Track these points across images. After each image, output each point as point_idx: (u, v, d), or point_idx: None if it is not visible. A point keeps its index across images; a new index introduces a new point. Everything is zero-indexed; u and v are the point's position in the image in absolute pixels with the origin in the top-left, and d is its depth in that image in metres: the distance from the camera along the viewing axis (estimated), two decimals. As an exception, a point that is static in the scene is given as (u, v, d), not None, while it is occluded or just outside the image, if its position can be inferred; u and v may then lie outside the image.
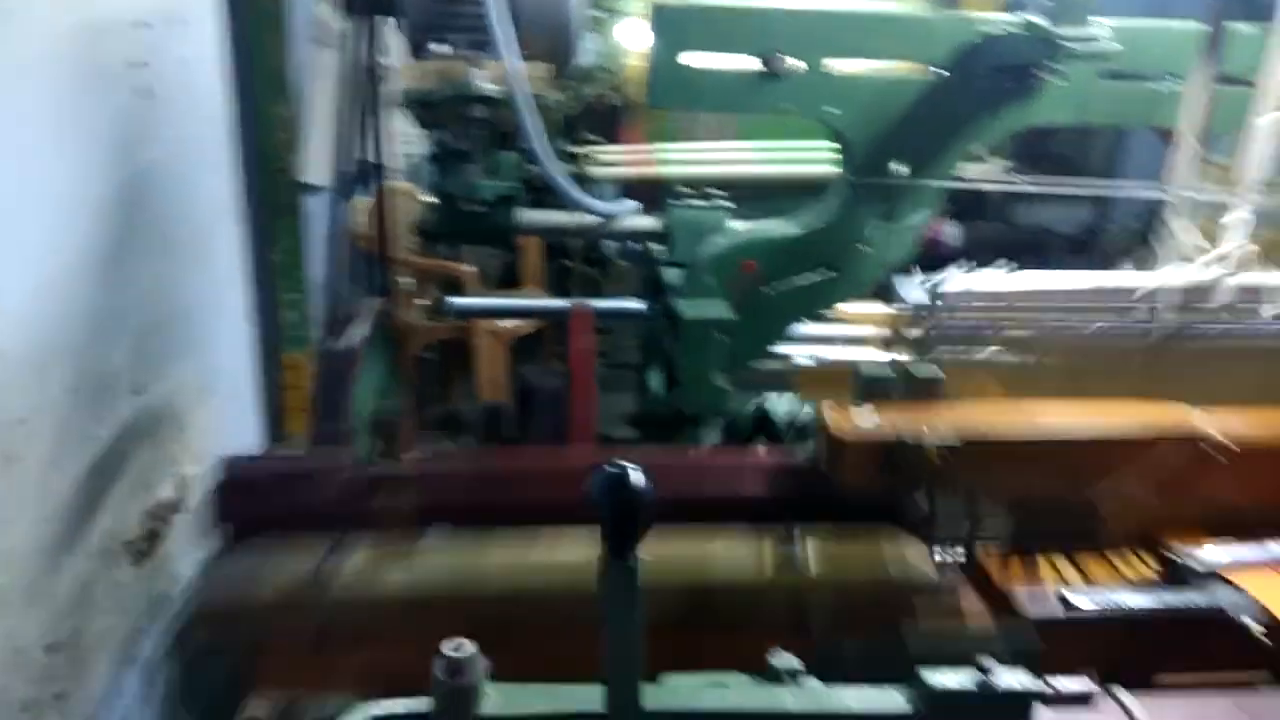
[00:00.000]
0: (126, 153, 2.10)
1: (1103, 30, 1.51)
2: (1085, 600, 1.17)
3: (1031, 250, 4.83)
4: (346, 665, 1.15)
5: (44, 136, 1.79)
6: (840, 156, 1.80)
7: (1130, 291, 1.48)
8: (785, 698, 0.97)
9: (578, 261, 4.72)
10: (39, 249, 1.75)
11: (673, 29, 1.61)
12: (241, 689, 1.17)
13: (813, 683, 1.00)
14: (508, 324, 4.09)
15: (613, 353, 4.42)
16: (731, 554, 1.20)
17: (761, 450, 1.41)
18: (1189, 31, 1.62)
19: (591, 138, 4.69)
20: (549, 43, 1.85)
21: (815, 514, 1.24)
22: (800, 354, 2.25)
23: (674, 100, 1.65)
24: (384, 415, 1.23)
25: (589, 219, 2.03)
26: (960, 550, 1.27)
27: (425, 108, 1.86)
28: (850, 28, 1.64)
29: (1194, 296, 1.49)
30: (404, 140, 3.87)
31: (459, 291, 4.03)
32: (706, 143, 4.36)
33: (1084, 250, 5.01)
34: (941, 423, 1.25)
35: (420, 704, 0.94)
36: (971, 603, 1.21)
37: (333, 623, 1.16)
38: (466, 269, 4.02)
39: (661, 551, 1.15)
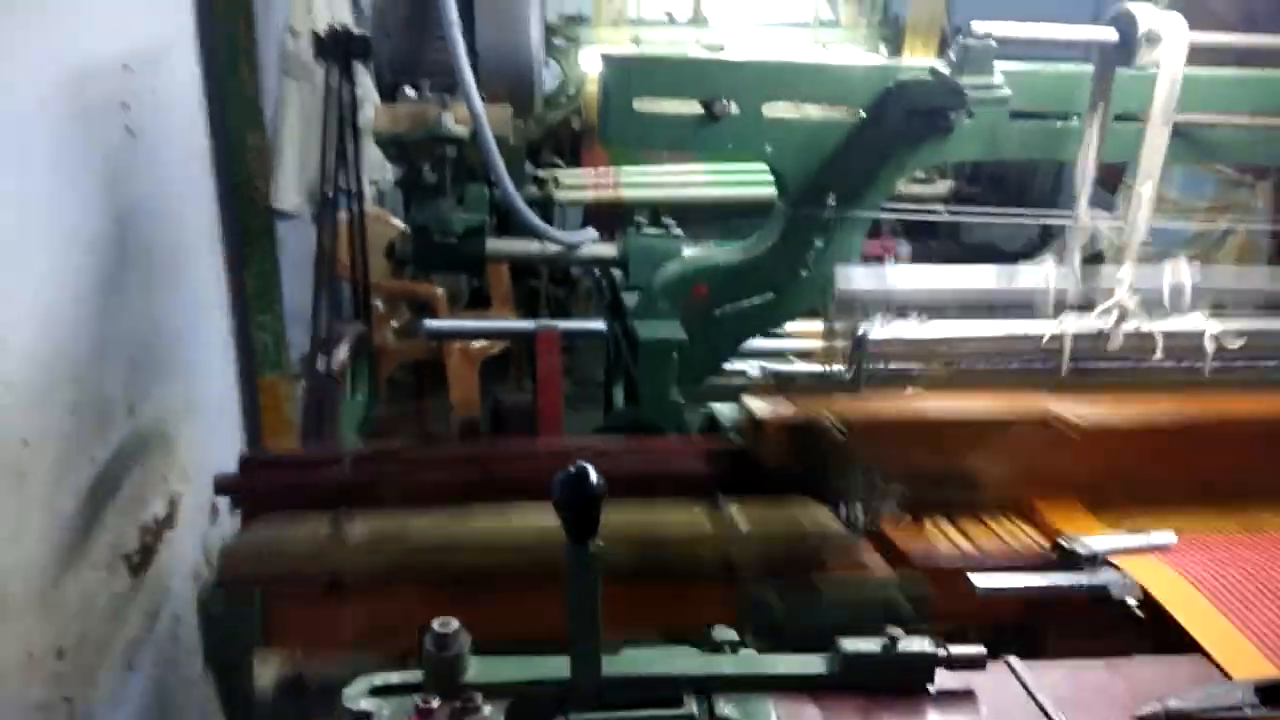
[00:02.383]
0: (115, 190, 2.24)
1: (1001, 78, 1.70)
2: (989, 582, 1.35)
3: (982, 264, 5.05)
4: (352, 620, 1.32)
5: (43, 179, 1.93)
6: (777, 189, 1.97)
7: (1038, 338, 1.68)
8: (723, 664, 1.14)
9: (546, 282, 4.90)
10: (41, 283, 1.89)
11: (622, 77, 1.79)
12: (258, 647, 1.34)
13: (747, 650, 1.17)
14: (478, 344, 4.25)
15: (579, 370, 4.59)
16: (670, 517, 1.42)
17: (699, 437, 1.62)
18: (1079, 74, 1.81)
19: (556, 161, 4.88)
20: (511, 87, 2.02)
21: (742, 488, 1.46)
22: (751, 368, 2.45)
23: (624, 141, 1.83)
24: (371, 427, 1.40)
25: (553, 247, 2.20)
26: (862, 515, 1.50)
27: (398, 147, 2.02)
28: (781, 76, 1.82)
29: (1092, 341, 1.71)
30: (374, 168, 4.02)
31: (430, 313, 4.19)
32: (664, 166, 4.56)
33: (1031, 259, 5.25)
34: (844, 409, 1.49)
35: (412, 675, 1.09)
36: (873, 557, 1.43)
37: (338, 581, 1.33)
38: (437, 292, 4.18)
39: (616, 518, 1.36)
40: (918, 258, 4.70)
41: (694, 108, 1.85)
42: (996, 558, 1.46)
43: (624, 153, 4.73)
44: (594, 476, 1.02)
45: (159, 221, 2.53)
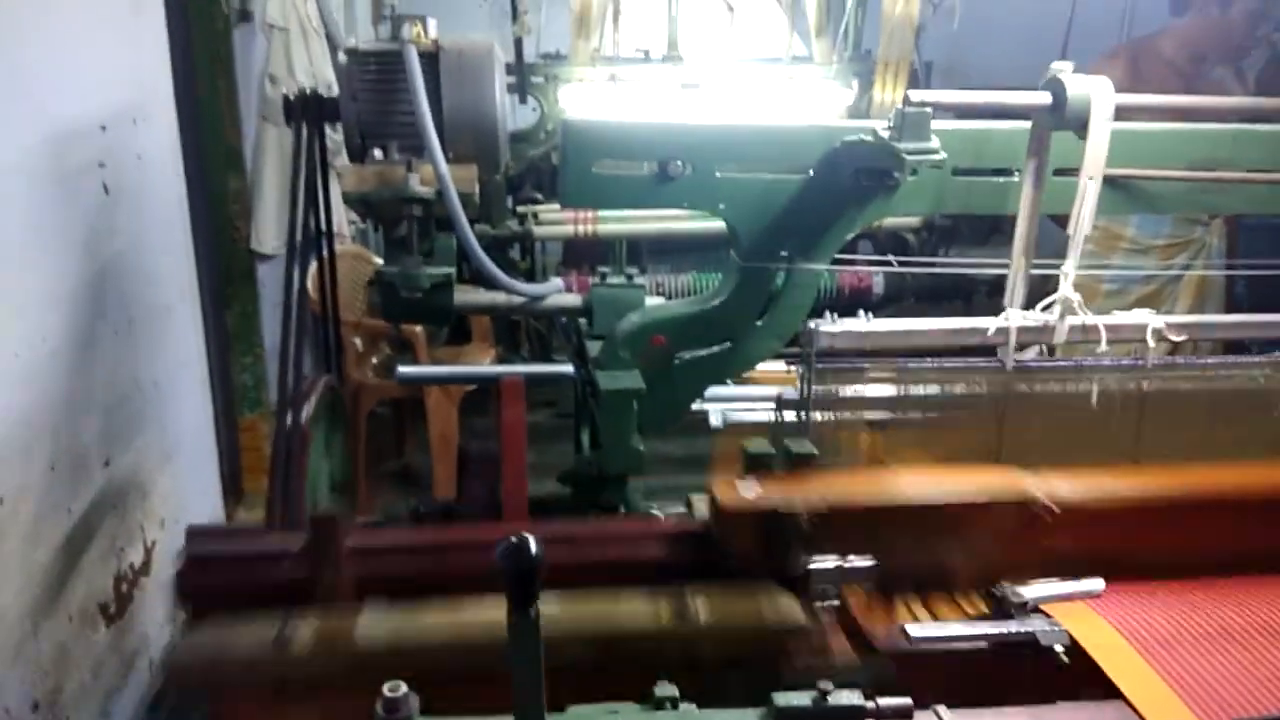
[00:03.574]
0: (92, 247, 2.31)
1: (937, 142, 1.78)
2: (923, 631, 1.41)
3: (954, 296, 5.13)
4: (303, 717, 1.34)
5: (18, 240, 1.99)
6: (731, 243, 2.04)
7: (983, 331, 1.75)
8: (662, 720, 1.19)
9: (526, 317, 4.96)
10: (18, 343, 1.95)
11: (581, 143, 1.86)
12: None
13: (687, 706, 1.23)
14: (457, 380, 4.31)
15: (563, 403, 4.64)
16: (632, 609, 1.40)
17: (662, 518, 1.63)
18: (1019, 131, 1.89)
19: (536, 196, 4.96)
20: (476, 148, 2.09)
21: (706, 573, 1.44)
22: (713, 412, 2.51)
23: (585, 201, 1.90)
24: (322, 514, 1.42)
25: (519, 299, 2.27)
26: (830, 598, 1.46)
27: (366, 206, 2.08)
28: (732, 140, 1.90)
29: (1036, 336, 1.77)
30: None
31: (409, 350, 4.24)
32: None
33: (1002, 294, 5.30)
34: (813, 492, 1.47)
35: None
36: (839, 642, 1.41)
37: (289, 682, 1.33)
38: (416, 330, 4.24)
39: (573, 609, 1.38)
40: (890, 288, 4.79)
41: (651, 165, 1.92)
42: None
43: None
44: (533, 546, 1.08)
45: (137, 274, 2.59)
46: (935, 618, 1.50)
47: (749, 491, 1.49)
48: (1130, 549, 1.54)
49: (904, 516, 1.48)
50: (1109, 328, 1.83)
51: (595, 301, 2.23)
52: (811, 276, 2.04)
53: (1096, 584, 1.51)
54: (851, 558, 1.47)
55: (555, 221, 4.55)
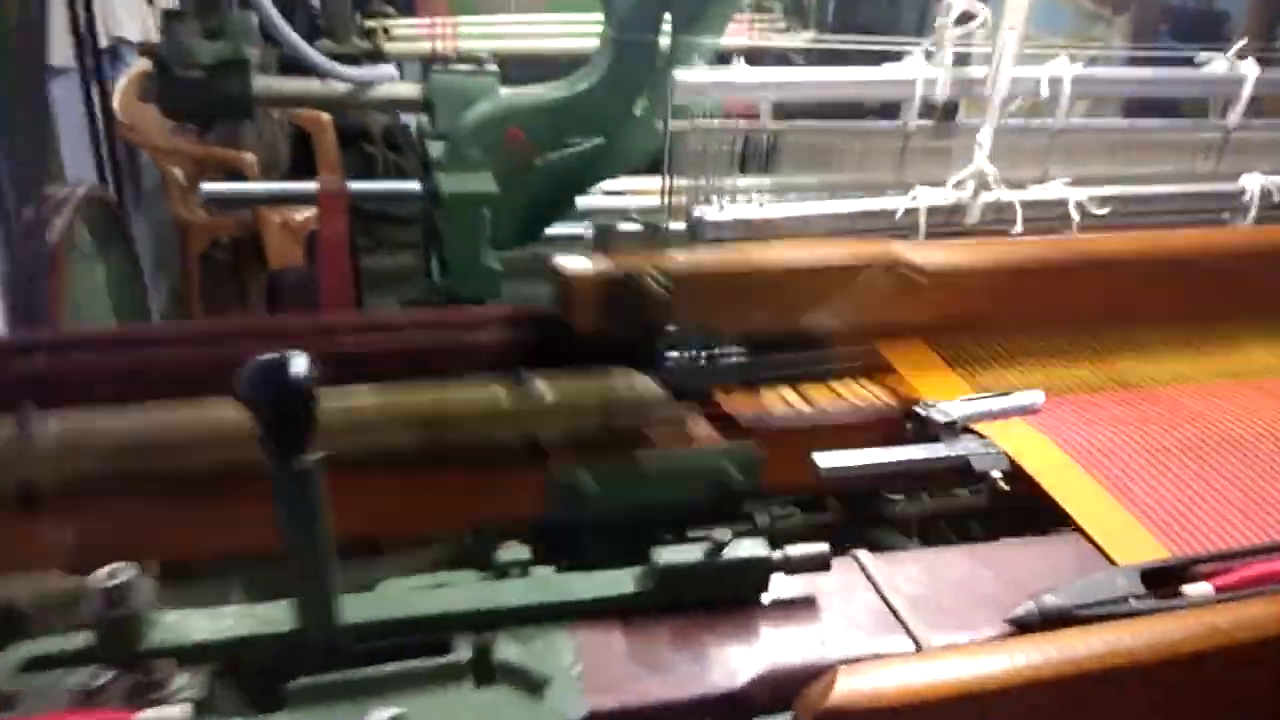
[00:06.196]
0: None
1: None
2: (834, 461, 1.15)
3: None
4: (59, 537, 1.02)
5: None
6: (603, 10, 1.66)
7: (891, 214, 1.53)
8: (508, 593, 0.90)
9: (380, 145, 4.44)
10: None
11: None
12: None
13: (541, 571, 0.94)
14: (302, 215, 3.82)
15: (418, 244, 4.19)
16: (463, 396, 1.15)
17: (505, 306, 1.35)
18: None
19: (387, 10, 4.36)
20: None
21: (554, 360, 1.21)
22: (585, 228, 2.17)
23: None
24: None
25: (341, 87, 1.83)
26: (688, 383, 1.26)
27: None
28: None
29: (948, 214, 1.58)
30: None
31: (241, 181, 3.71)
32: (509, 15, 4.13)
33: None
34: (666, 262, 1.23)
35: (80, 640, 0.82)
36: (700, 426, 1.22)
37: (31, 495, 1.03)
38: (246, 158, 3.70)
39: (398, 397, 1.12)
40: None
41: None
42: (839, 417, 1.28)
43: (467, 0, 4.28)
44: (300, 367, 0.74)
45: None
46: (808, 403, 1.30)
47: (598, 264, 1.24)
48: (1005, 319, 1.38)
49: (767, 281, 1.30)
50: (1026, 204, 1.62)
51: (435, 91, 1.82)
52: (701, 53, 1.69)
53: (1035, 397, 1.27)
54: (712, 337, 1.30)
55: (409, 38, 4.02)
